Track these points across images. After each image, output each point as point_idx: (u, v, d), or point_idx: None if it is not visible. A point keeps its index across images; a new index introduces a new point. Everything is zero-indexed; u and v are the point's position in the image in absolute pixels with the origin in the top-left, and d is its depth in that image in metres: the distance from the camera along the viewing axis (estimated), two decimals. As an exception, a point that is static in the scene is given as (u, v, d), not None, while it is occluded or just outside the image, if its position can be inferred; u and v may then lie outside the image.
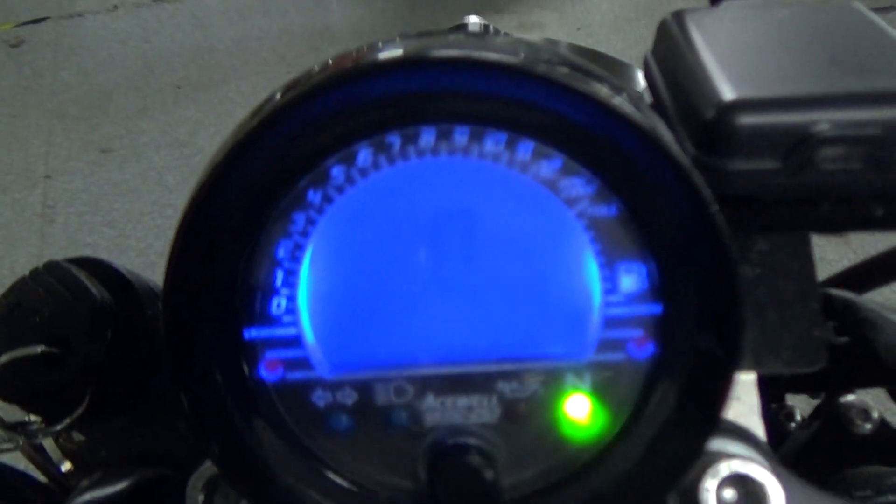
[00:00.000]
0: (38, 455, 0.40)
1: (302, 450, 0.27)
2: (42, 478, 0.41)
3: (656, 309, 0.26)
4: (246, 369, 0.27)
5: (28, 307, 0.36)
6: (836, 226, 0.29)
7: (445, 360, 0.28)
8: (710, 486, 0.33)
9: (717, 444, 0.35)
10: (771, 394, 0.72)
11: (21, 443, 0.37)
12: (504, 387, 0.27)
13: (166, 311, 0.25)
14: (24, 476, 0.40)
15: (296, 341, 0.27)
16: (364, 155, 0.26)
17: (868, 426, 0.54)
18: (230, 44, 4.04)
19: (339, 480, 0.27)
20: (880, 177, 0.26)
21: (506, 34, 0.41)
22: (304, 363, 0.28)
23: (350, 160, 0.26)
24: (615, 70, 0.49)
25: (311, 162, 0.25)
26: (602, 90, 0.23)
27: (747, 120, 0.26)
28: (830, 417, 0.55)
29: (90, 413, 0.38)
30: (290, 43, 3.97)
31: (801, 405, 0.75)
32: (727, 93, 0.27)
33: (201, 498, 0.33)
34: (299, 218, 0.26)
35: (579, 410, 0.27)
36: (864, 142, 0.25)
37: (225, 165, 0.23)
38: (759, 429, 0.38)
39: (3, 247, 2.88)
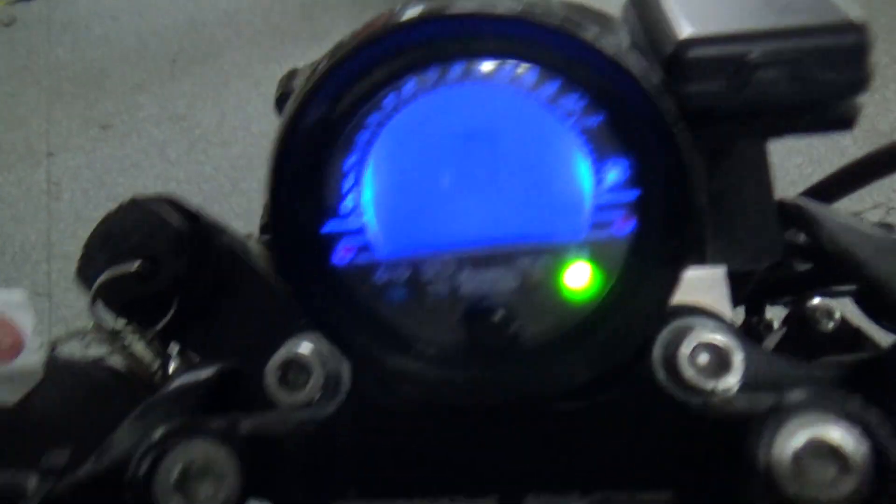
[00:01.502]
0: (132, 359, 0.48)
1: (370, 316, 0.36)
2: (140, 376, 0.49)
3: (635, 194, 0.34)
4: (326, 257, 0.36)
5: (120, 234, 0.44)
6: (773, 132, 0.37)
7: (476, 242, 0.36)
8: (685, 350, 0.41)
9: (692, 321, 0.44)
10: (752, 306, 0.81)
11: (127, 343, 0.45)
12: (522, 261, 0.36)
13: (270, 215, 0.33)
14: (127, 372, 0.48)
15: (360, 232, 0.36)
16: (409, 85, 0.34)
17: (831, 324, 0.62)
18: (223, 15, 4.03)
19: (398, 339, 0.36)
20: (801, 91, 0.33)
21: None
22: (367, 248, 0.36)
23: (399, 90, 0.34)
24: (600, 20, 0.56)
25: (369, 94, 0.33)
26: (589, 33, 0.30)
27: (698, 52, 0.34)
28: (798, 319, 0.63)
29: (175, 321, 0.46)
30: (283, 12, 3.97)
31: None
32: (683, 31, 0.34)
33: (278, 375, 0.42)
34: (361, 138, 0.34)
35: (580, 276, 0.35)
36: (788, 65, 0.33)
37: (303, 105, 0.31)
38: (728, 312, 0.47)
39: (12, 224, 2.95)
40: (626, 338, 0.35)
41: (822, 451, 0.26)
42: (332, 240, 0.36)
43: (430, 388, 0.35)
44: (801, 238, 0.52)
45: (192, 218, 0.47)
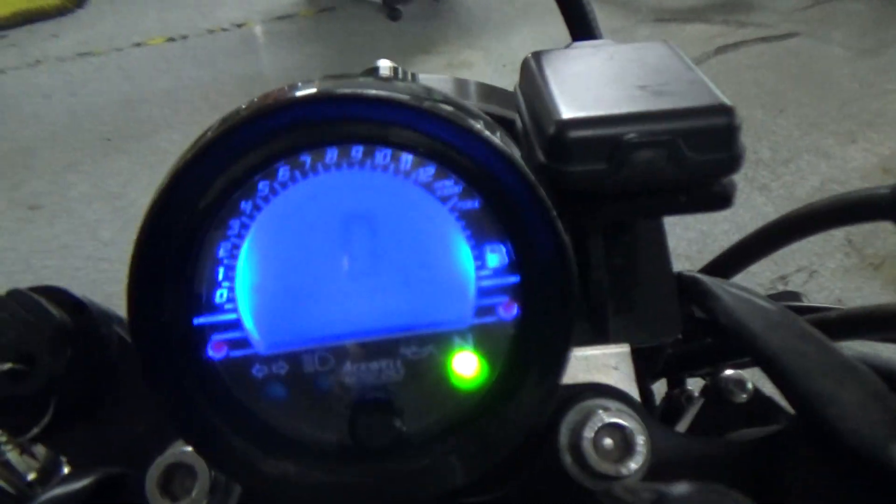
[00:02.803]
0: (3, 469, 0.44)
1: (247, 416, 0.33)
2: (10, 490, 0.45)
3: (516, 279, 0.34)
4: (198, 351, 0.33)
5: (-6, 329, 0.41)
6: (654, 211, 0.37)
7: (358, 332, 0.34)
8: (588, 434, 0.40)
9: (597, 403, 0.43)
10: (671, 379, 0.81)
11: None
12: (406, 351, 0.34)
13: (130, 305, 0.31)
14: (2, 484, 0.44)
15: (236, 325, 0.34)
16: (283, 171, 0.33)
17: (744, 395, 0.62)
18: (161, 94, 4.03)
19: (277, 441, 0.33)
20: (677, 171, 0.34)
21: (413, 75, 0.48)
22: (244, 343, 0.34)
23: (273, 176, 0.33)
24: (506, 100, 0.57)
25: (241, 179, 0.32)
26: (464, 118, 0.30)
27: (577, 133, 0.34)
28: (713, 392, 0.63)
29: (54, 423, 0.42)
30: (222, 91, 4.00)
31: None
32: (564, 113, 0.35)
33: (160, 481, 0.39)
34: (234, 224, 0.33)
35: (465, 365, 0.34)
36: (663, 146, 0.34)
37: (171, 188, 0.30)
38: (635, 392, 0.46)
39: (-73, 311, 2.78)
40: (515, 426, 0.33)
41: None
42: (205, 333, 0.34)
43: (313, 494, 0.32)
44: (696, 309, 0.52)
45: (78, 309, 0.45)
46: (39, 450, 0.46)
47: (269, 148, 0.31)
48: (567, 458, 0.41)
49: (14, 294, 0.42)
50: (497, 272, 0.34)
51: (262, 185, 0.33)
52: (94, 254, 2.97)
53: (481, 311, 0.34)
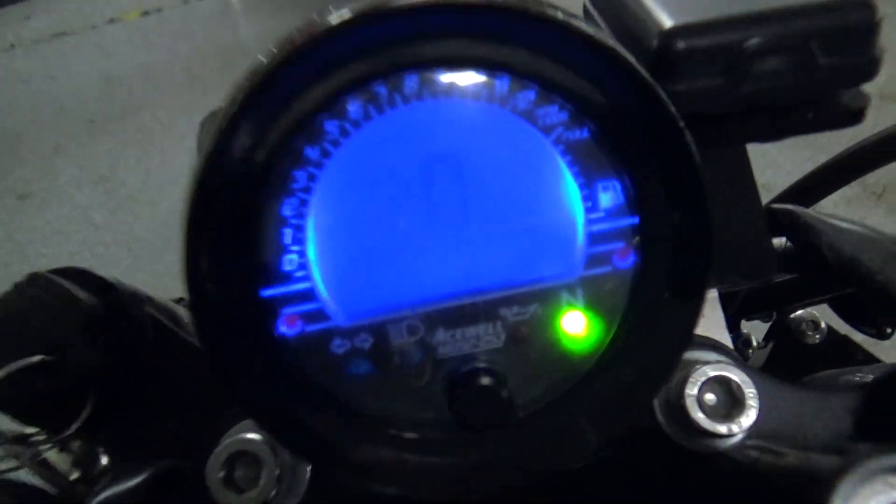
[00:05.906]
0: (44, 468, 0.39)
1: (328, 397, 0.29)
2: (53, 491, 0.40)
3: (634, 220, 0.29)
4: (267, 327, 0.29)
5: (17, 319, 0.36)
6: (775, 133, 0.32)
7: (450, 294, 0.30)
8: (691, 391, 0.36)
9: (692, 355, 0.39)
10: (728, 321, 0.77)
11: (28, 456, 0.36)
12: (506, 312, 0.30)
13: (188, 281, 0.26)
14: (37, 491, 0.40)
15: (310, 295, 0.29)
16: (354, 107, 0.28)
17: (818, 336, 0.58)
18: (139, 70, 3.91)
19: (366, 423, 0.29)
20: (807, 80, 0.29)
21: None
22: (321, 315, 0.29)
23: (342, 114, 0.28)
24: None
25: (305, 120, 0.27)
26: (572, 19, 0.25)
27: (688, 43, 0.29)
28: (783, 334, 0.59)
29: (93, 417, 0.38)
30: (203, 62, 3.88)
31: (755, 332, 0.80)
32: (666, 21, 0.30)
33: (222, 473, 0.34)
34: (300, 175, 0.28)
35: (575, 324, 0.30)
36: (791, 51, 0.29)
37: (223, 140, 0.24)
38: (727, 341, 0.42)
39: (-76, 308, 2.73)
40: (638, 389, 0.29)
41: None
42: (275, 306, 0.29)
43: (413, 482, 0.28)
44: (785, 247, 0.48)
45: (104, 290, 0.40)
46: (76, 446, 0.42)
47: (336, 79, 0.26)
48: (661, 418, 0.37)
49: (34, 278, 0.37)
50: (611, 213, 0.29)
51: (330, 127, 0.28)
52: (89, 238, 2.92)
53: (593, 260, 0.30)
